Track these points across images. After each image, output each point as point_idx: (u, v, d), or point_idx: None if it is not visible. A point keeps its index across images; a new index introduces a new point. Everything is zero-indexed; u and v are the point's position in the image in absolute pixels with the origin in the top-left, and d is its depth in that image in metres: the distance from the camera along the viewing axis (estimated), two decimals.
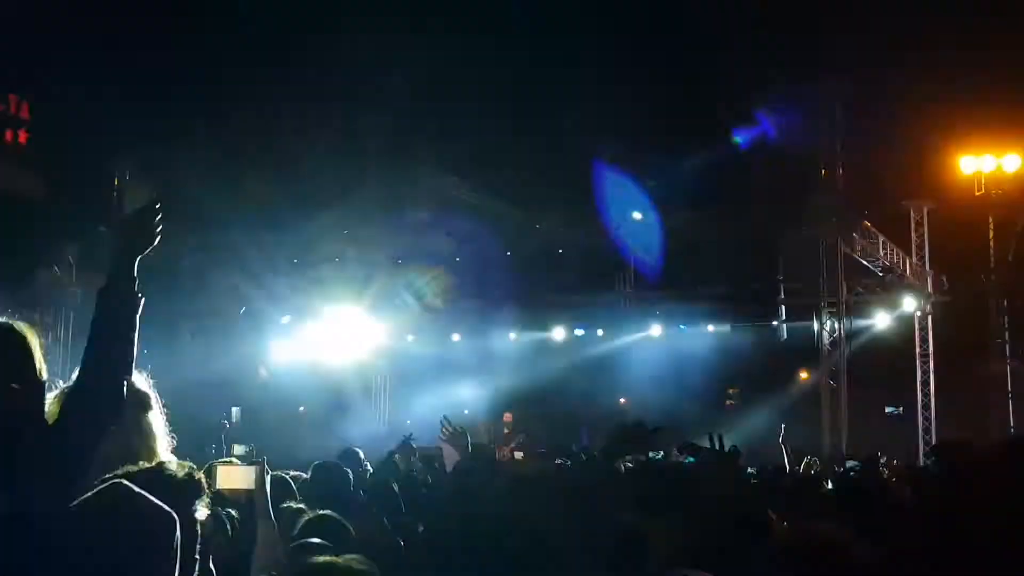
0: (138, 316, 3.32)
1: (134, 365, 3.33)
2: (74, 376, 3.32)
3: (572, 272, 24.07)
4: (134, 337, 3.30)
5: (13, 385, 3.09)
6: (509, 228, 23.32)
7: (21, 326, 3.25)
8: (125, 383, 3.25)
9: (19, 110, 36.82)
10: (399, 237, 23.74)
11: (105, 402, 3.20)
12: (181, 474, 3.15)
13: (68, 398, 3.29)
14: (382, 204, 24.67)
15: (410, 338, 30.52)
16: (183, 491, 2.92)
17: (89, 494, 2.62)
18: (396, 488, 7.91)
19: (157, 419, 3.92)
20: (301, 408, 32.94)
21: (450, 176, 25.01)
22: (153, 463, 3.41)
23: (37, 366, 3.22)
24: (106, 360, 3.24)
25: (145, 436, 3.83)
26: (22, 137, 36.92)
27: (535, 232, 23.01)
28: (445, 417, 6.90)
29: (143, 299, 3.36)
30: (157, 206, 3.48)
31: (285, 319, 28.85)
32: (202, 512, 3.11)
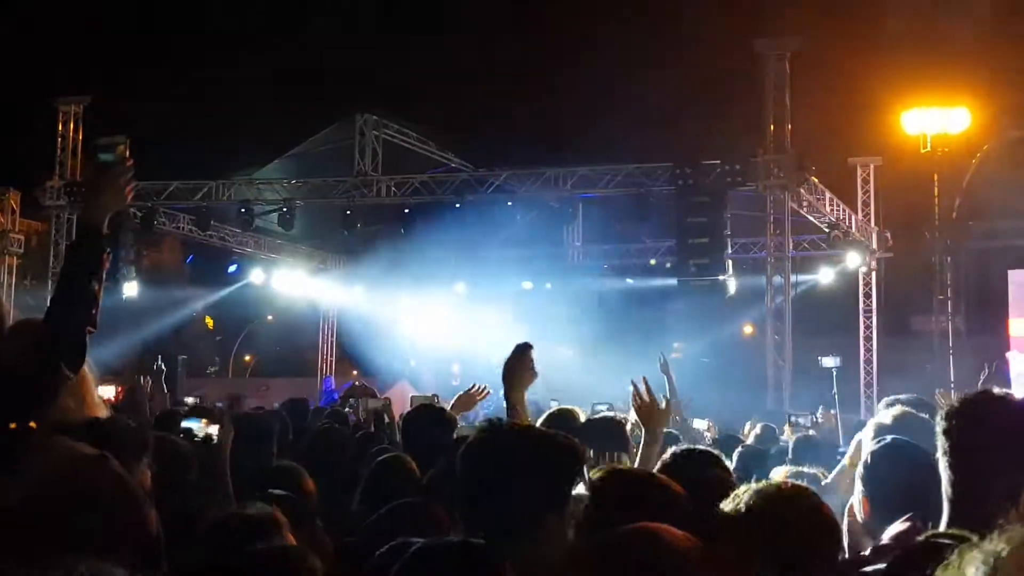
0: (104, 271, 3.36)
1: (98, 317, 3.38)
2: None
3: (521, 224, 24.02)
4: (100, 291, 3.37)
5: None
6: (457, 178, 23.21)
7: None
8: (88, 334, 3.30)
9: None
10: (347, 187, 23.55)
11: (66, 350, 3.26)
12: (129, 426, 3.16)
13: (30, 342, 3.33)
14: (331, 153, 24.52)
15: (357, 289, 30.45)
16: (129, 443, 2.91)
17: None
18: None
19: (88, 369, 3.91)
20: (247, 357, 32.84)
21: (397, 123, 24.86)
22: (88, 411, 3.43)
23: (7, 313, 3.26)
24: (71, 312, 3.31)
25: (80, 382, 3.82)
26: None
27: (484, 183, 22.90)
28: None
29: (111, 254, 3.42)
30: (128, 164, 3.46)
31: (232, 268, 28.68)
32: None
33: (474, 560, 2.57)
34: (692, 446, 4.49)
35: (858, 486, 4.20)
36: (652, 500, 3.23)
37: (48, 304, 3.40)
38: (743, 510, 3.00)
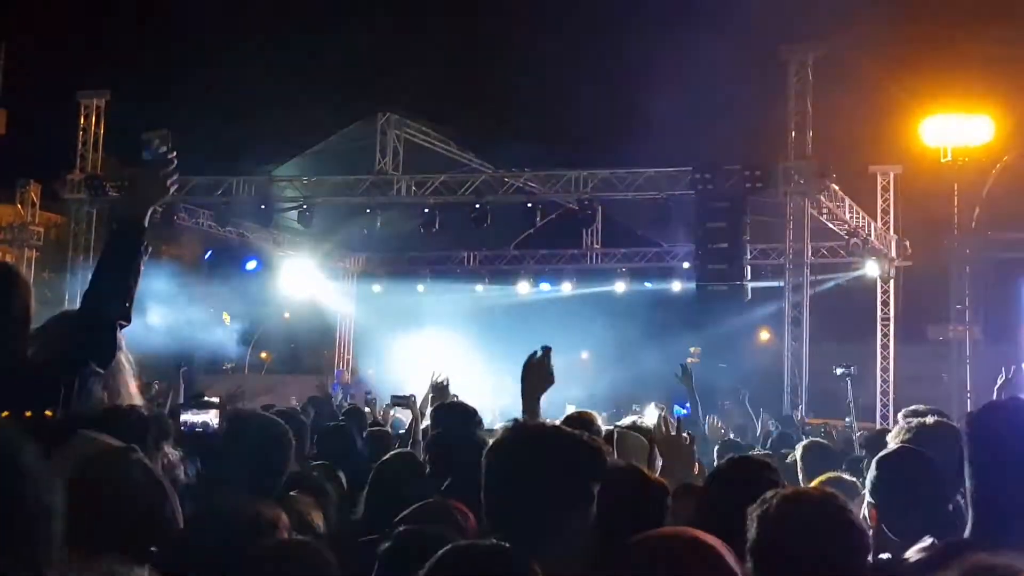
0: (143, 264, 3.37)
1: (131, 311, 3.35)
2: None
3: (540, 225, 24.02)
4: (136, 285, 3.36)
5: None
6: (478, 179, 23.22)
7: (17, 268, 3.32)
8: (120, 328, 3.28)
9: None
10: (367, 185, 23.58)
11: (95, 344, 3.25)
12: (146, 414, 3.15)
13: (63, 335, 3.37)
14: (350, 151, 24.55)
15: (376, 288, 30.50)
16: (148, 430, 2.92)
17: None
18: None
19: (126, 360, 3.92)
20: (262, 354, 32.91)
21: (418, 122, 24.89)
22: (122, 402, 3.42)
23: (30, 308, 3.26)
24: (105, 305, 3.29)
25: (115, 375, 3.84)
26: None
27: (504, 184, 22.91)
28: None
29: (150, 249, 3.42)
30: (172, 157, 3.47)
31: (251, 264, 28.71)
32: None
33: (503, 561, 2.58)
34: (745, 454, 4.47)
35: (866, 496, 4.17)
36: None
37: (82, 296, 3.37)
38: (770, 513, 2.98)
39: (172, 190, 3.55)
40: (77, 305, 3.45)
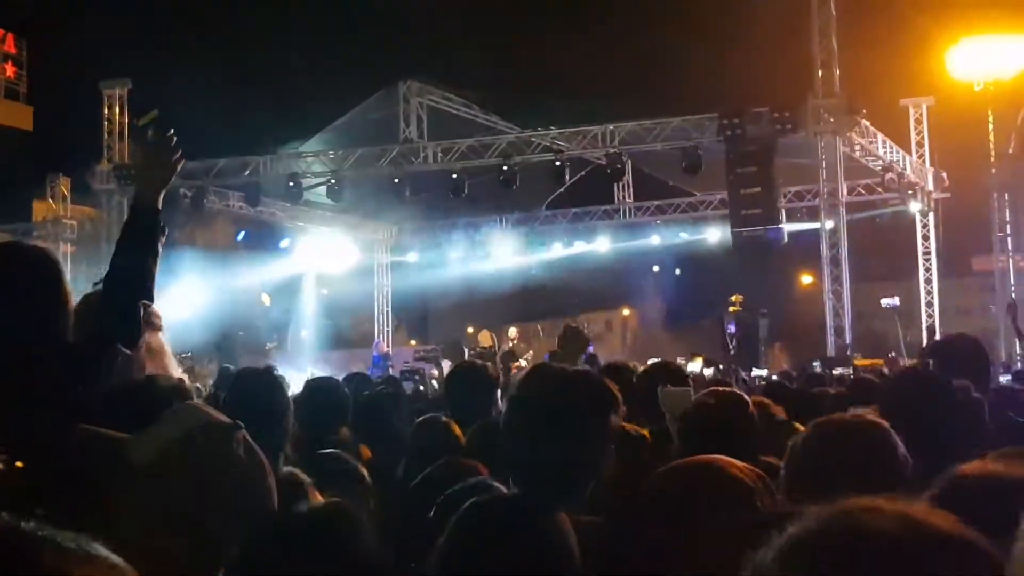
0: (161, 245, 3.43)
1: (153, 292, 3.42)
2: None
3: (570, 183, 23.80)
4: (156, 266, 3.41)
5: (42, 309, 3.15)
6: (504, 140, 23.03)
7: (53, 253, 3.38)
8: (142, 309, 3.34)
9: (4, 43, 36.47)
10: (394, 155, 23.46)
11: (121, 324, 3.30)
12: (169, 385, 3.19)
13: (87, 318, 3.37)
14: (375, 122, 24.45)
15: (410, 256, 30.49)
16: (170, 401, 2.89)
17: None
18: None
19: (164, 338, 3.98)
20: (303, 333, 32.99)
21: (441, 88, 24.73)
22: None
23: (67, 290, 3.27)
24: (126, 288, 3.34)
25: (154, 353, 3.88)
26: (10, 71, 36.63)
27: (531, 144, 22.71)
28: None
29: (167, 230, 3.48)
30: (170, 136, 3.52)
31: (284, 243, 28.72)
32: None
33: (528, 512, 2.50)
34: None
35: None
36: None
37: (104, 280, 3.40)
38: (815, 437, 2.95)
39: (179, 167, 3.56)
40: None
